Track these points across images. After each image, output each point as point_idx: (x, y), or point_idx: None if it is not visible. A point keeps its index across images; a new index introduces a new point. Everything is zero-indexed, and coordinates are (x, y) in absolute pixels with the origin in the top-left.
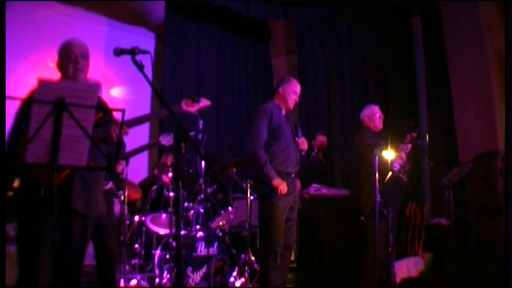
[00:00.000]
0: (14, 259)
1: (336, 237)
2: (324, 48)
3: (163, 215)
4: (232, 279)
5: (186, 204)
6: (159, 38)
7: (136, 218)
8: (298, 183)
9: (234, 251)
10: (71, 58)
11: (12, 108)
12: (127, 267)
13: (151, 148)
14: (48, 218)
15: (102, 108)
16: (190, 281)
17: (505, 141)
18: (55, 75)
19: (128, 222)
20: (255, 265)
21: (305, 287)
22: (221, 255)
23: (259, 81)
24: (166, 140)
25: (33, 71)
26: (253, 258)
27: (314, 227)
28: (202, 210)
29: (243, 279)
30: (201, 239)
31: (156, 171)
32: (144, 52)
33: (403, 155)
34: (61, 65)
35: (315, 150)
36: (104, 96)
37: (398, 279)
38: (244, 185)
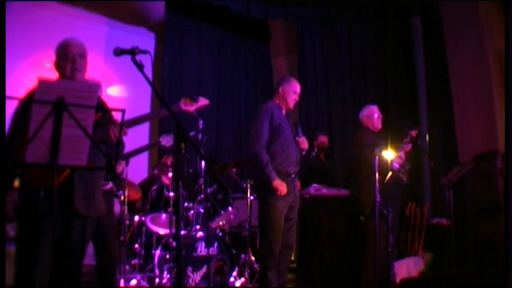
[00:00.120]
0: (14, 259)
1: (336, 237)
2: (324, 48)
3: (163, 215)
4: (232, 279)
5: (186, 204)
6: (159, 38)
7: (136, 218)
8: (298, 183)
9: (234, 251)
10: (68, 58)
11: (12, 108)
12: (127, 267)
13: (151, 148)
14: (48, 218)
15: (102, 109)
16: (190, 281)
17: (505, 141)
18: (54, 75)
19: (127, 222)
20: (255, 265)
21: (305, 287)
22: (221, 255)
23: (259, 81)
24: (166, 140)
25: (33, 70)
26: (253, 258)
27: (314, 227)
28: (202, 210)
29: (243, 279)
30: (201, 239)
31: (156, 172)
32: (144, 52)
33: (403, 155)
34: (58, 65)
35: (315, 150)
36: (102, 95)
37: (398, 279)
38: (244, 185)
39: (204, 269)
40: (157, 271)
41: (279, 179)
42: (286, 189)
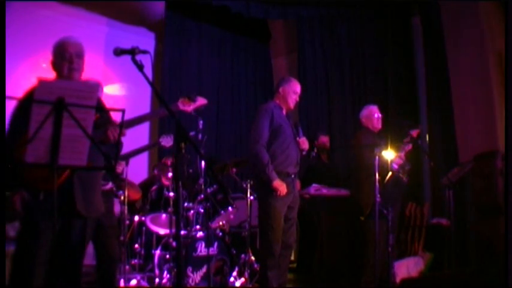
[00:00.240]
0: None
1: (336, 237)
2: (324, 48)
3: (163, 215)
4: (232, 279)
5: (186, 204)
6: (159, 38)
7: (136, 218)
8: (298, 183)
9: (234, 251)
10: (65, 57)
11: (12, 108)
12: (127, 267)
13: (151, 149)
14: (48, 220)
15: (102, 109)
16: (190, 281)
17: (505, 141)
18: (51, 74)
19: (127, 222)
20: (255, 265)
21: (305, 287)
22: (221, 255)
23: (259, 81)
24: (166, 141)
25: (33, 70)
26: (253, 258)
27: (314, 227)
28: (202, 210)
29: (243, 279)
30: (201, 239)
31: (156, 172)
32: (144, 52)
33: (403, 155)
34: (56, 65)
35: (315, 150)
36: (102, 96)
37: (398, 279)
38: (244, 185)
39: (204, 269)
40: (157, 271)
41: (279, 179)
42: (286, 190)
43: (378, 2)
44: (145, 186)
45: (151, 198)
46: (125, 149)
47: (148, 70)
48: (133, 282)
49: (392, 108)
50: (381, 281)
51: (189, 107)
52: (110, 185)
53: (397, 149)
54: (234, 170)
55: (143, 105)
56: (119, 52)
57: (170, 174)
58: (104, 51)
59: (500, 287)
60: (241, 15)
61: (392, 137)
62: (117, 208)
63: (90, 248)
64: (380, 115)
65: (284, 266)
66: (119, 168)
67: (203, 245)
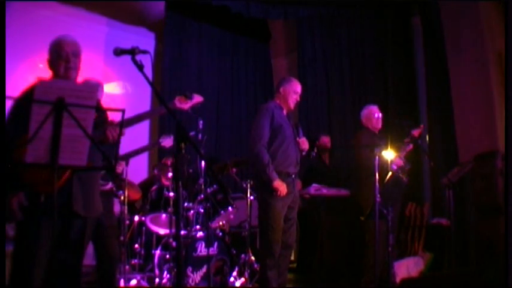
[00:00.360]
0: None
1: (336, 237)
2: (324, 48)
3: (163, 215)
4: (232, 279)
5: (186, 204)
6: (159, 38)
7: (136, 218)
8: (298, 183)
9: (234, 251)
10: (62, 57)
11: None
12: (127, 267)
13: (151, 149)
14: (48, 220)
15: (100, 109)
16: (190, 281)
17: (505, 141)
18: (48, 73)
19: (127, 222)
20: (255, 265)
21: (305, 287)
22: (221, 255)
23: (259, 81)
24: (166, 141)
25: (33, 70)
26: (253, 258)
27: (314, 227)
28: (202, 210)
29: (243, 279)
30: (201, 239)
31: (156, 172)
32: (144, 52)
33: (403, 155)
34: (52, 64)
35: (315, 151)
36: (102, 96)
37: (398, 279)
38: (244, 185)
39: (204, 269)
40: (157, 271)
41: (279, 179)
42: (286, 190)
43: (378, 2)
44: (145, 186)
45: (151, 198)
46: (125, 149)
47: (148, 70)
48: (133, 282)
49: (392, 108)
50: (381, 281)
51: (186, 105)
52: (109, 185)
53: (398, 149)
54: (234, 170)
55: (143, 105)
56: (118, 52)
57: (170, 174)
58: (104, 51)
59: (500, 287)
60: (241, 15)
61: (392, 137)
62: (117, 208)
63: (90, 248)
64: (380, 115)
65: (284, 266)
66: (119, 168)
67: (203, 245)
